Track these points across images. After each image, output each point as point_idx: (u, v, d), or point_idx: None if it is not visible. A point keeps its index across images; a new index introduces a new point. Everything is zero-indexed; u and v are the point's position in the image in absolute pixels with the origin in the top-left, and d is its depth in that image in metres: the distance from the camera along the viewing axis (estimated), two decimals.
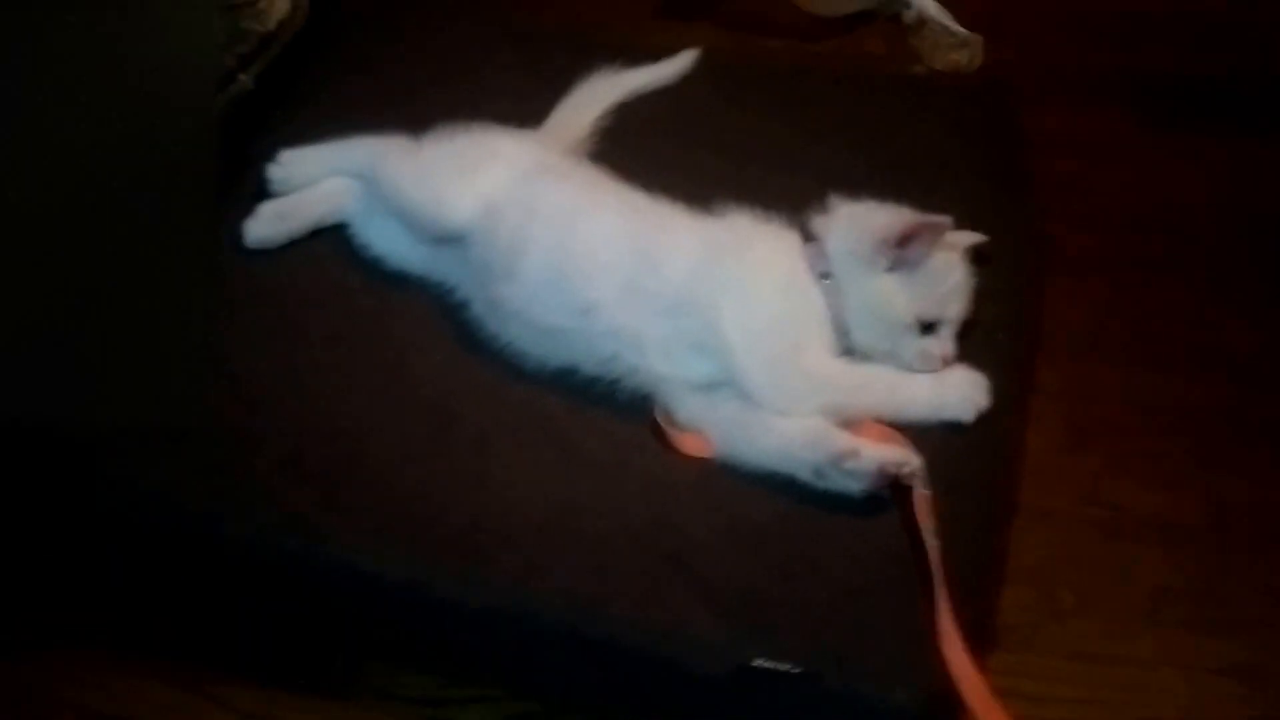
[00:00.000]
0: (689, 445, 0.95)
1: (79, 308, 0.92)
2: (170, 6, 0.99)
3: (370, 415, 0.97)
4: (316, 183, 1.11)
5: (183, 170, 0.99)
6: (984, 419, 0.98)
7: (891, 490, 0.90)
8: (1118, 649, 0.96)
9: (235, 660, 0.96)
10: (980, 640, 0.85)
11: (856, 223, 0.96)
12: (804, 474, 0.90)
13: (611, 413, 0.97)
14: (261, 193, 1.12)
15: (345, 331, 1.04)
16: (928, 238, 0.94)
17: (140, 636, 0.97)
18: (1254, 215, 1.36)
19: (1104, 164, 1.42)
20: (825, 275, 0.96)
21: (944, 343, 0.96)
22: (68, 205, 0.91)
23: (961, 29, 1.54)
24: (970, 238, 1.00)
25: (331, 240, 1.11)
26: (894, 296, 0.94)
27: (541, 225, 0.99)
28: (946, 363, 0.96)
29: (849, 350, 0.96)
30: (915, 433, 0.92)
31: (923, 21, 1.56)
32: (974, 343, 1.01)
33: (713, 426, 0.95)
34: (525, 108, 1.16)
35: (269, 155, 1.12)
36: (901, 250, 0.94)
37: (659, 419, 0.96)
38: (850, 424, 0.92)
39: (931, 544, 0.86)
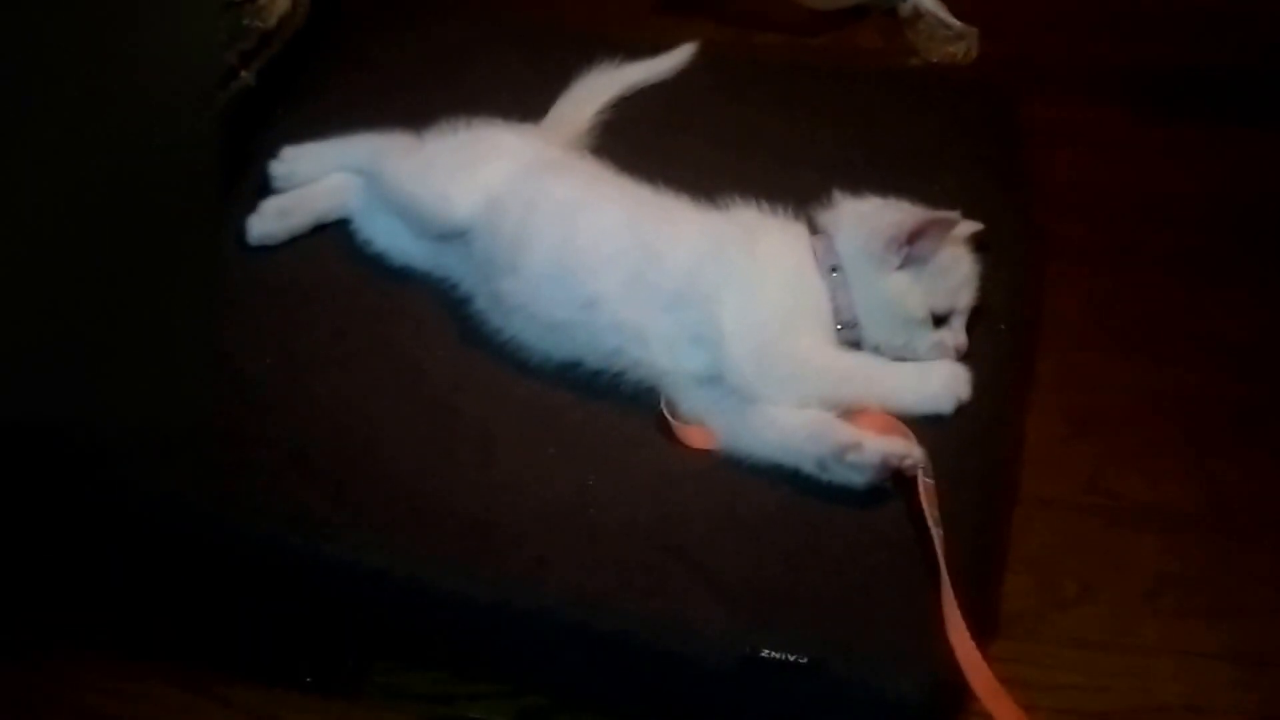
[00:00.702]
0: (694, 438, 0.96)
1: (80, 306, 0.92)
2: (171, 3, 0.99)
3: (375, 412, 0.97)
4: (319, 179, 1.12)
5: (184, 167, 0.99)
6: (985, 410, 0.98)
7: (896, 480, 0.90)
8: (1119, 636, 0.97)
9: (241, 660, 0.96)
10: (983, 628, 0.86)
11: (865, 221, 0.96)
12: (807, 466, 0.91)
13: (616, 406, 0.98)
14: (264, 189, 1.12)
15: (348, 328, 1.04)
16: (937, 233, 0.94)
17: (145, 637, 0.97)
18: (1250, 206, 1.36)
19: (1100, 156, 1.42)
20: (834, 269, 0.97)
21: (957, 333, 0.98)
22: (68, 203, 0.91)
23: (957, 22, 1.55)
24: (969, 226, 1.00)
25: (334, 236, 1.11)
26: (907, 293, 0.95)
27: (544, 219, 1.00)
28: (960, 353, 0.97)
29: (854, 345, 0.97)
30: (917, 423, 0.93)
31: (918, 15, 1.56)
32: (974, 334, 1.01)
33: (716, 419, 0.95)
34: (526, 103, 1.16)
35: (271, 152, 1.13)
36: (911, 247, 0.94)
37: (664, 412, 0.96)
38: (852, 414, 0.93)
39: (935, 533, 0.86)
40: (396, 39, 1.32)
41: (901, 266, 0.95)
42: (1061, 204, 1.33)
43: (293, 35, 1.22)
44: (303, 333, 1.04)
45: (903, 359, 0.97)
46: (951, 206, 0.97)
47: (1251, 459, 1.11)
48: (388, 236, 1.09)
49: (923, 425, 0.93)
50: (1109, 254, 1.30)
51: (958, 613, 0.83)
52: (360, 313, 1.05)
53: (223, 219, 1.07)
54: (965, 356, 0.99)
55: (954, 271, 0.97)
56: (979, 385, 0.98)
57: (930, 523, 0.87)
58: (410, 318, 1.05)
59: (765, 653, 0.82)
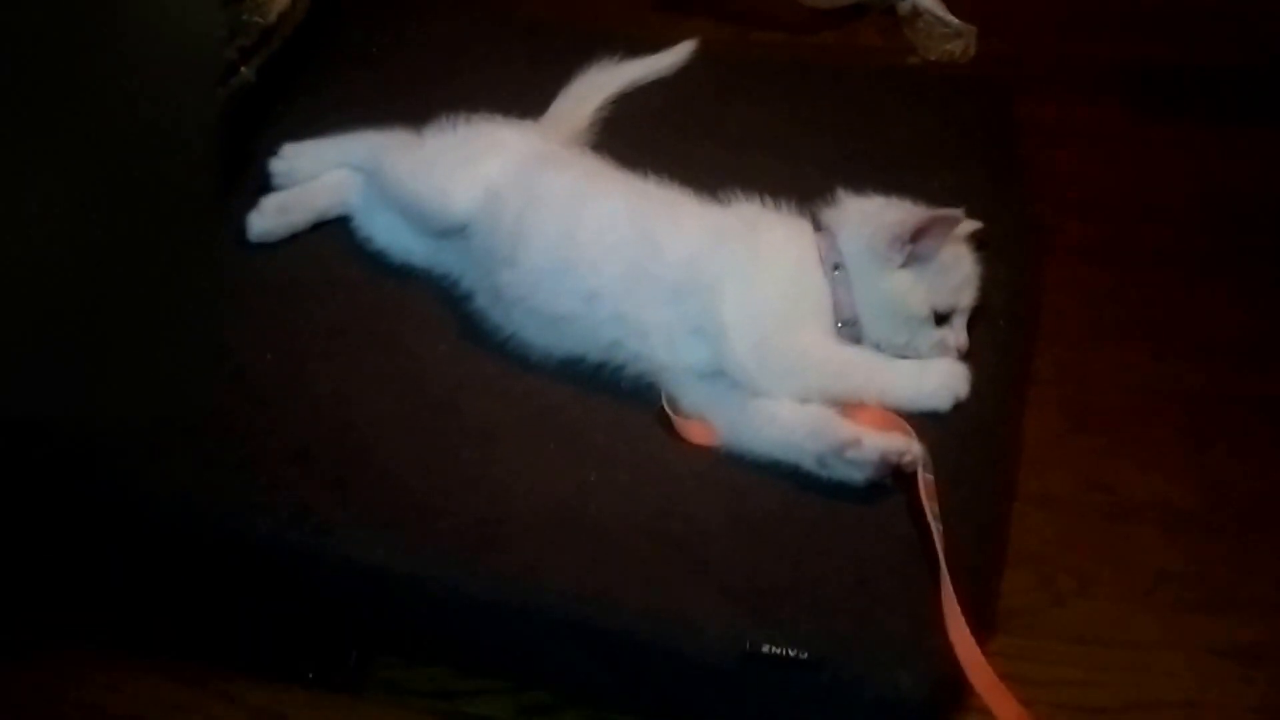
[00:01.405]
0: (695, 433, 0.96)
1: (80, 303, 0.92)
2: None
3: (376, 409, 0.98)
4: (318, 176, 1.12)
5: (184, 164, 0.99)
6: (984, 407, 0.99)
7: (896, 476, 0.90)
8: (1119, 632, 0.97)
9: (244, 656, 0.96)
10: (982, 624, 0.86)
11: (869, 220, 0.97)
12: (807, 463, 0.91)
13: (617, 403, 0.98)
14: (264, 186, 1.12)
15: (349, 325, 1.04)
16: (940, 231, 0.95)
17: (146, 634, 0.97)
18: (1247, 203, 1.37)
19: (1097, 153, 1.43)
20: (836, 267, 0.97)
21: (958, 332, 0.98)
22: (68, 200, 0.91)
23: (955, 20, 1.55)
24: (970, 225, 1.01)
25: (334, 234, 1.11)
26: (909, 291, 0.95)
27: (543, 212, 1.00)
28: (961, 352, 0.98)
29: (855, 343, 0.97)
30: (917, 420, 0.93)
31: (917, 13, 1.57)
32: (974, 331, 1.02)
33: (717, 414, 0.95)
34: (526, 99, 1.17)
35: (271, 149, 1.13)
36: (915, 245, 0.94)
37: (665, 407, 0.97)
38: (851, 410, 0.93)
39: (935, 529, 0.87)
40: (397, 35, 1.33)
41: (904, 265, 0.95)
42: (1060, 201, 1.34)
43: (293, 31, 1.22)
44: (303, 330, 1.04)
45: (904, 357, 0.97)
46: (950, 204, 0.97)
47: (1250, 455, 1.11)
48: (388, 234, 1.09)
49: (923, 422, 0.93)
50: (1107, 251, 1.31)
51: (957, 608, 0.83)
52: (360, 310, 1.06)
53: (223, 215, 1.07)
54: (965, 354, 0.99)
55: (956, 270, 0.98)
56: (978, 382, 0.99)
57: (930, 519, 0.87)
58: (410, 315, 1.05)
59: (766, 648, 0.82)
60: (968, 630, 0.83)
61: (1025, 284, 1.16)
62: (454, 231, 1.05)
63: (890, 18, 1.59)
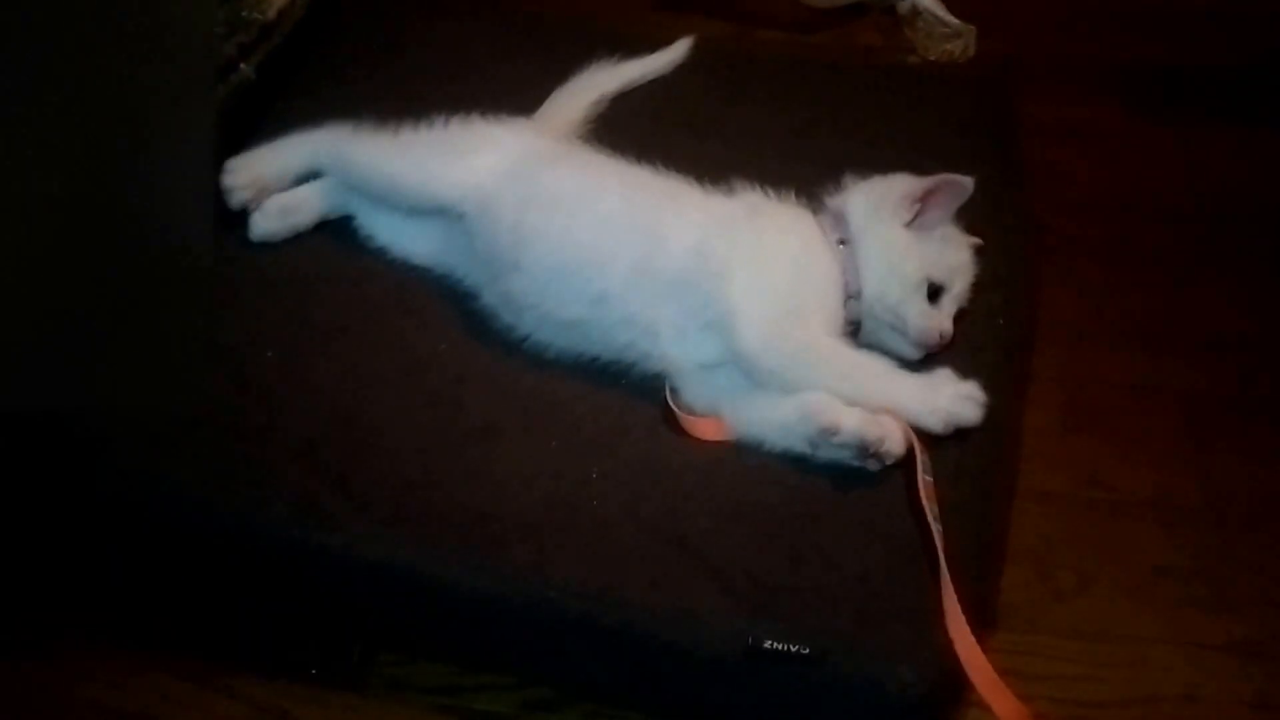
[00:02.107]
0: (699, 429, 0.96)
1: (81, 300, 0.92)
2: None
3: (378, 405, 0.98)
4: (284, 181, 1.09)
5: (184, 161, 0.99)
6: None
7: (904, 474, 0.91)
8: (1118, 627, 0.98)
9: (246, 652, 0.96)
10: (982, 620, 0.86)
11: (880, 183, 0.99)
12: (799, 446, 0.92)
13: (620, 399, 0.98)
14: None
15: (351, 322, 1.04)
16: (949, 198, 0.96)
17: (149, 630, 0.97)
18: (1245, 202, 1.38)
19: (1096, 153, 1.44)
20: (842, 242, 0.97)
21: (944, 317, 0.98)
22: (69, 197, 0.91)
23: (955, 20, 1.56)
24: (972, 240, 1.03)
25: (337, 231, 1.11)
26: (909, 250, 0.97)
27: (543, 215, 1.00)
28: (944, 339, 0.98)
29: (856, 320, 0.97)
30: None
31: (916, 12, 1.57)
32: (973, 328, 1.02)
33: (725, 407, 0.96)
34: (526, 97, 1.17)
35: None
36: (923, 208, 0.96)
37: (671, 403, 0.97)
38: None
39: (935, 529, 0.87)
40: (396, 33, 1.33)
41: (910, 225, 0.97)
42: (1058, 199, 1.34)
43: (293, 28, 1.22)
44: (305, 327, 1.04)
45: (892, 328, 0.97)
46: None
47: (1248, 451, 1.11)
48: (389, 232, 1.10)
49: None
50: (1106, 249, 1.31)
51: (957, 605, 0.84)
52: (363, 307, 1.06)
53: (217, 211, 1.07)
54: (964, 350, 1.00)
55: (954, 251, 0.99)
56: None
57: (930, 519, 0.87)
58: (413, 312, 1.05)
59: (767, 644, 0.83)
60: (967, 626, 0.83)
61: (1024, 282, 1.17)
62: (451, 224, 1.05)
63: (890, 17, 1.60)
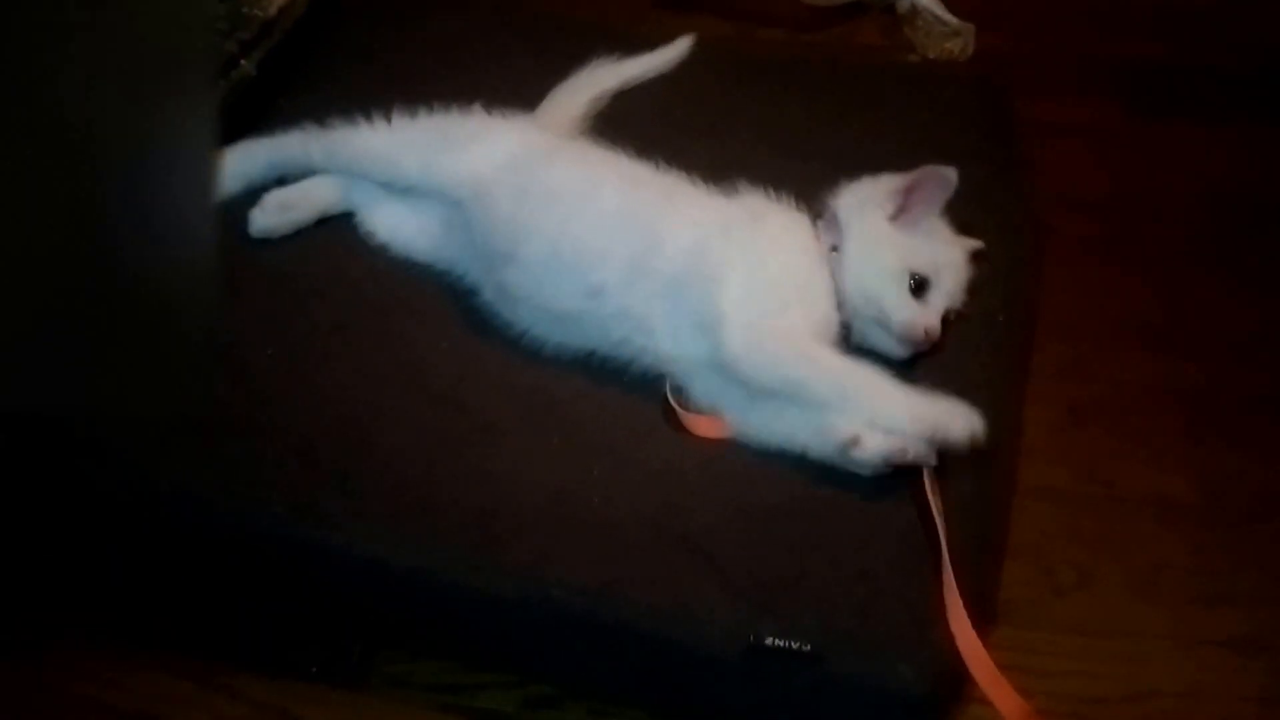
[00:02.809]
0: (699, 426, 0.96)
1: (80, 298, 0.92)
2: None
3: (379, 404, 0.98)
4: (259, 178, 1.09)
5: (184, 158, 0.99)
6: (983, 401, 0.99)
7: (900, 470, 0.91)
8: (1117, 623, 0.98)
9: (247, 651, 0.96)
10: (983, 616, 0.86)
11: (869, 182, 1.00)
12: (814, 455, 0.92)
13: (620, 396, 0.98)
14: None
15: (352, 320, 1.04)
16: (933, 189, 0.97)
17: (149, 628, 0.97)
18: (1243, 200, 1.38)
19: (1095, 150, 1.44)
20: (834, 248, 0.98)
21: (931, 313, 0.97)
22: (67, 193, 0.90)
23: (954, 18, 1.56)
24: (971, 243, 1.03)
25: (337, 229, 1.11)
26: (889, 241, 0.97)
27: (540, 207, 1.00)
28: (930, 336, 0.96)
29: (846, 321, 0.97)
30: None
31: (916, 11, 1.58)
32: (972, 325, 1.02)
33: (726, 406, 0.95)
34: (527, 94, 1.17)
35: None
36: (907, 201, 0.97)
37: (671, 401, 0.97)
38: None
39: (937, 522, 0.87)
40: (397, 30, 1.32)
41: (893, 218, 0.97)
42: (1058, 198, 1.34)
43: (293, 25, 1.21)
44: (305, 325, 1.03)
45: (876, 321, 0.97)
46: (949, 200, 0.98)
47: (1248, 448, 1.12)
48: (390, 229, 1.09)
49: None
50: (1105, 246, 1.32)
51: (959, 601, 0.84)
52: (363, 305, 1.05)
53: (220, 209, 1.07)
54: (964, 348, 1.00)
55: (941, 248, 0.99)
56: (978, 376, 0.99)
57: (935, 513, 0.87)
58: (413, 310, 1.05)
59: (769, 641, 0.83)
60: (969, 622, 0.83)
61: (1024, 279, 1.17)
62: (451, 218, 1.05)
63: (889, 16, 1.60)
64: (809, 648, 0.82)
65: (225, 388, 0.97)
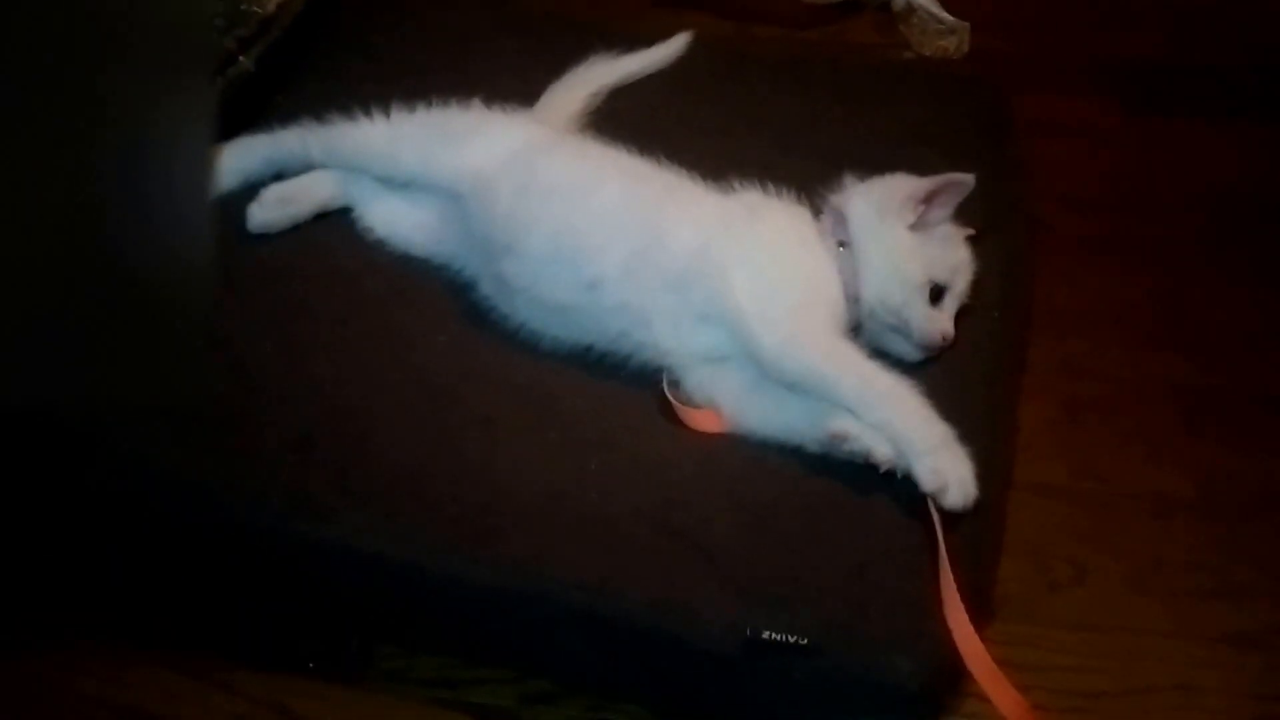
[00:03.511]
0: (698, 420, 0.96)
1: (78, 292, 0.92)
2: None
3: (377, 398, 0.98)
4: (258, 173, 1.10)
5: (181, 152, 0.99)
6: (979, 397, 1.00)
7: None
8: (1113, 619, 0.98)
9: (244, 646, 0.96)
10: (979, 611, 0.87)
11: (879, 185, 0.99)
12: (811, 446, 0.92)
13: (618, 391, 0.98)
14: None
15: (350, 315, 1.04)
16: (951, 197, 0.97)
17: (147, 624, 0.97)
18: (1239, 197, 1.39)
19: (1091, 148, 1.44)
20: (842, 244, 0.98)
21: (946, 318, 0.98)
22: (64, 187, 0.90)
23: (949, 16, 1.57)
24: (964, 231, 1.03)
25: (335, 223, 1.11)
26: (913, 253, 0.96)
27: (540, 199, 1.00)
28: (946, 340, 0.98)
29: (857, 323, 0.98)
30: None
31: (911, 9, 1.58)
32: (969, 321, 1.03)
33: (724, 399, 0.96)
34: (524, 91, 1.17)
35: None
36: (926, 208, 0.96)
37: (668, 395, 0.97)
38: None
39: (936, 518, 0.87)
40: (396, 25, 1.33)
41: (912, 227, 0.97)
42: (1053, 194, 1.35)
43: (292, 21, 1.21)
44: (303, 319, 1.04)
45: (895, 331, 0.97)
46: None
47: (1244, 444, 1.12)
48: (388, 224, 1.10)
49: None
50: (1101, 243, 1.32)
51: (956, 596, 0.84)
52: (361, 299, 1.06)
53: (217, 204, 1.07)
54: (961, 344, 1.00)
55: (955, 251, 0.99)
56: (974, 373, 1.00)
57: (932, 508, 0.88)
58: (411, 304, 1.05)
59: (766, 635, 0.83)
60: (966, 617, 0.83)
61: (1020, 276, 1.17)
62: (449, 212, 1.05)
63: (885, 14, 1.60)
64: (806, 642, 0.82)
65: (223, 381, 0.97)
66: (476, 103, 1.10)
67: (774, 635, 0.83)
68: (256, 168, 1.10)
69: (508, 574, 0.87)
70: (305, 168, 1.11)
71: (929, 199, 0.97)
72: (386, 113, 1.10)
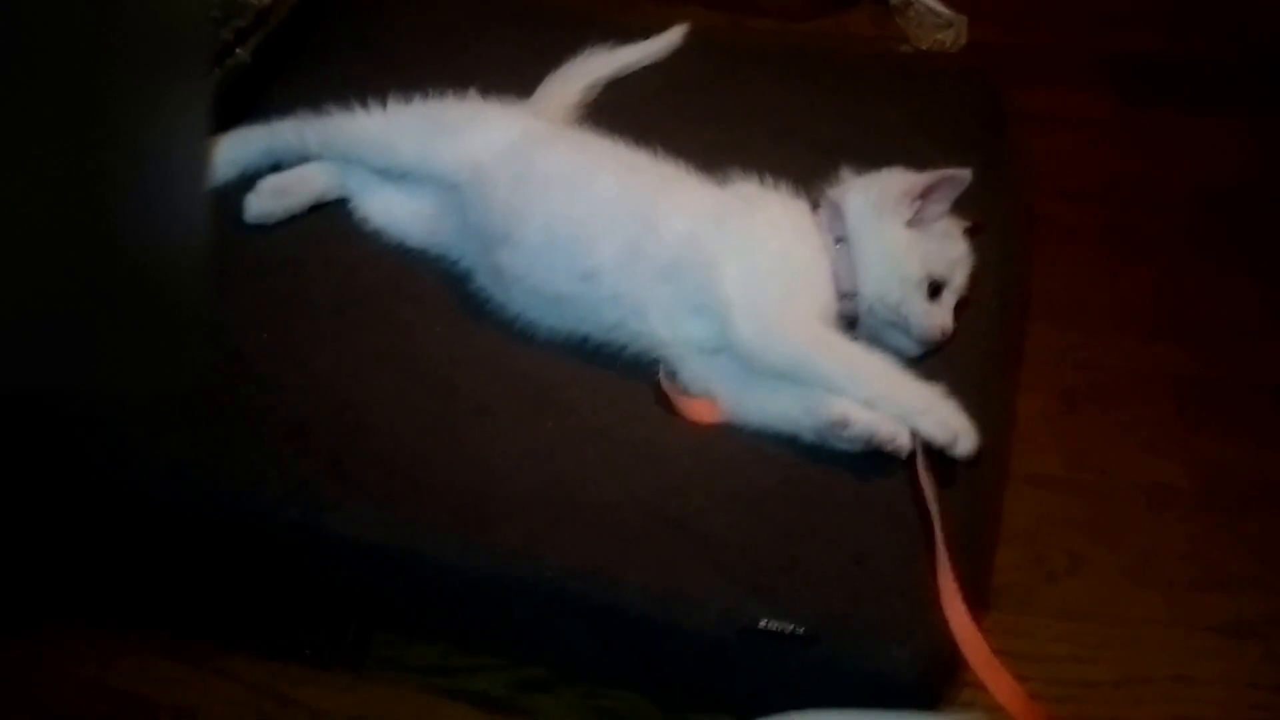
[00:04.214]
0: (692, 410, 0.96)
1: (75, 281, 0.92)
2: None
3: (373, 387, 0.97)
4: (254, 164, 1.09)
5: (176, 144, 0.99)
6: (976, 388, 0.99)
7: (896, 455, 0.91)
8: (1109, 609, 0.98)
9: (242, 633, 0.96)
10: (976, 601, 0.87)
11: (877, 181, 0.99)
12: (806, 436, 0.92)
13: (615, 380, 0.98)
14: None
15: (346, 304, 1.04)
16: (948, 191, 0.96)
17: (146, 611, 0.97)
18: (1233, 189, 1.39)
19: (1087, 140, 1.45)
20: (839, 240, 0.98)
21: (946, 312, 0.98)
22: (61, 178, 0.90)
23: (946, 9, 1.57)
24: (961, 223, 1.02)
25: (332, 214, 1.11)
26: (911, 250, 0.96)
27: (537, 190, 1.00)
28: (945, 334, 0.98)
29: (852, 318, 0.98)
30: None
31: (908, 2, 1.58)
32: (966, 313, 1.02)
33: (720, 389, 0.96)
34: (521, 83, 1.17)
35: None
36: (923, 204, 0.96)
37: (664, 384, 0.97)
38: None
39: (933, 509, 0.87)
40: (392, 18, 1.32)
41: (910, 223, 0.96)
42: (1050, 186, 1.35)
43: (288, 12, 1.21)
44: (300, 309, 1.03)
45: (893, 325, 0.97)
46: None
47: (1237, 434, 1.12)
48: (385, 214, 1.09)
49: None
50: (1098, 235, 1.32)
51: (953, 585, 0.84)
52: (358, 290, 1.05)
53: (218, 195, 1.07)
54: (959, 336, 1.00)
55: (953, 245, 0.99)
56: (971, 364, 1.00)
57: (929, 498, 0.88)
58: (407, 294, 1.05)
59: (763, 624, 0.83)
60: (963, 607, 0.83)
61: (1017, 267, 1.17)
62: (446, 203, 1.05)
63: (882, 6, 1.60)
64: (802, 630, 0.82)
65: (220, 371, 0.97)
66: (473, 94, 1.10)
67: (770, 624, 0.83)
68: (253, 159, 1.10)
69: (504, 562, 0.87)
70: (302, 159, 1.11)
71: (925, 195, 0.96)
72: (383, 104, 1.10)
